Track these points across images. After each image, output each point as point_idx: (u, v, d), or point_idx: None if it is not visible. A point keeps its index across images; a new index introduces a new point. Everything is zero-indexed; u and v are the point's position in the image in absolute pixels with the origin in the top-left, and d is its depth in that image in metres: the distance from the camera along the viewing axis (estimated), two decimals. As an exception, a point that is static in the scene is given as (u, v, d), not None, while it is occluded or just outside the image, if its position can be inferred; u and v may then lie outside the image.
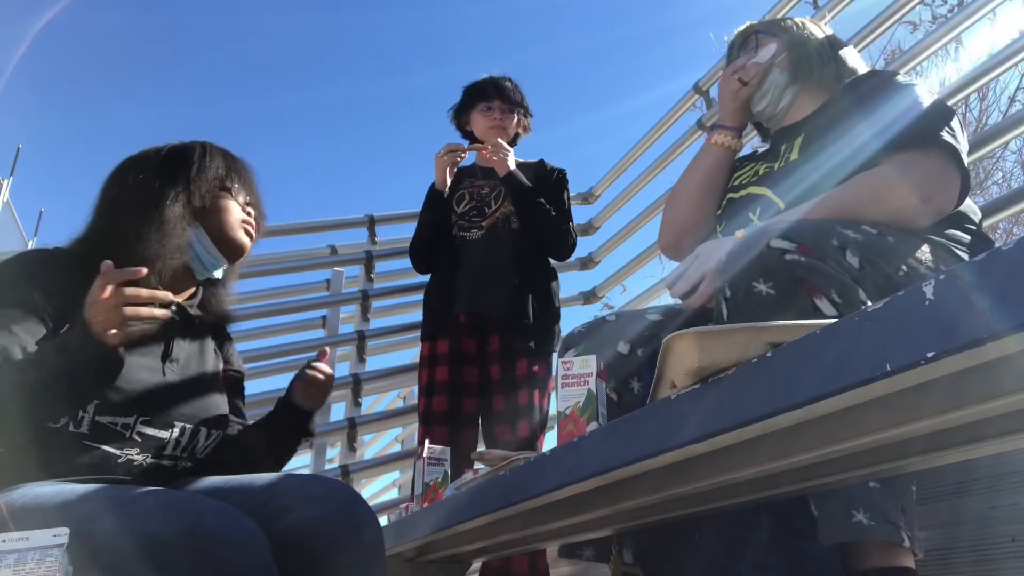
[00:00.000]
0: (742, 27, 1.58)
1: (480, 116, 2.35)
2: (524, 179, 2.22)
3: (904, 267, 1.02)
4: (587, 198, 3.44)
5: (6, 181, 7.51)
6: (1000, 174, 7.33)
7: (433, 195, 2.33)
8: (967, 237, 1.17)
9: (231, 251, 1.26)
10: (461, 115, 2.42)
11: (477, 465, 1.52)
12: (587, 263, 3.35)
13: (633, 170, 3.19)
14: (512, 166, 2.22)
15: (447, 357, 2.17)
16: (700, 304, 1.15)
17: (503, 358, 2.13)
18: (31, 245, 7.45)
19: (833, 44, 1.49)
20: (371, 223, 3.15)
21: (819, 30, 1.52)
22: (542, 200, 2.21)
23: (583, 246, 3.43)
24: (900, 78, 1.27)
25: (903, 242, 1.05)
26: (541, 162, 2.39)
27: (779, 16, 2.42)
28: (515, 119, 2.36)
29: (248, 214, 1.29)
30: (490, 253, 2.21)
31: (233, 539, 0.83)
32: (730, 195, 1.47)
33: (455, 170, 2.32)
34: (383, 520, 2.36)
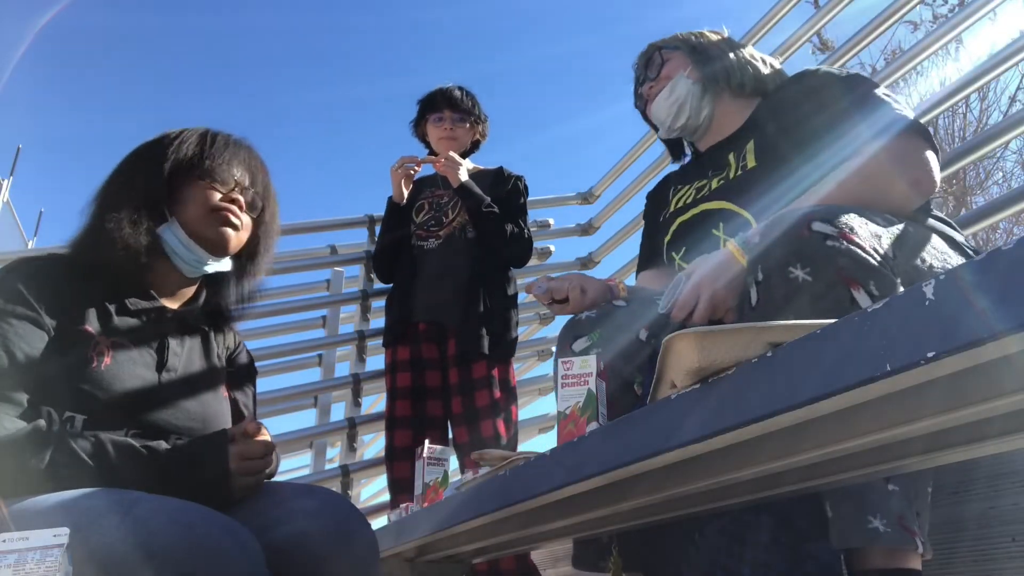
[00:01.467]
0: (644, 48, 1.58)
1: (432, 127, 2.40)
2: (477, 190, 2.26)
3: (928, 259, 0.99)
4: (587, 198, 3.44)
5: (6, 181, 7.51)
6: (1000, 174, 7.34)
7: (391, 207, 2.40)
8: (960, 236, 1.17)
9: (209, 244, 1.16)
10: (418, 127, 2.48)
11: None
12: (587, 263, 3.35)
13: (633, 170, 3.19)
14: (464, 177, 2.26)
15: (408, 363, 2.23)
16: (702, 322, 1.11)
17: (460, 362, 2.16)
18: (31, 245, 7.46)
19: (734, 48, 1.50)
20: (371, 223, 3.15)
21: (721, 39, 1.52)
22: (495, 209, 2.24)
23: (583, 246, 3.43)
24: (879, 91, 1.24)
25: (922, 234, 1.04)
26: (500, 169, 2.42)
27: (779, 15, 2.43)
28: (467, 127, 2.40)
29: (233, 200, 1.17)
30: (446, 262, 2.25)
31: (226, 548, 0.82)
32: (679, 219, 1.43)
33: (411, 182, 2.38)
34: (383, 520, 2.36)
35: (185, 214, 1.15)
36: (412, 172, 2.37)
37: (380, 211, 3.24)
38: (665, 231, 1.50)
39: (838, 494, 0.96)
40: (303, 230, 3.11)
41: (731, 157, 1.38)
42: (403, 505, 1.65)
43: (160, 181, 1.14)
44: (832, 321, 0.59)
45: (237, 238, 1.20)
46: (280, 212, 1.34)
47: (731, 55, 1.48)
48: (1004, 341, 0.46)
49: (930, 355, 0.49)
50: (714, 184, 1.39)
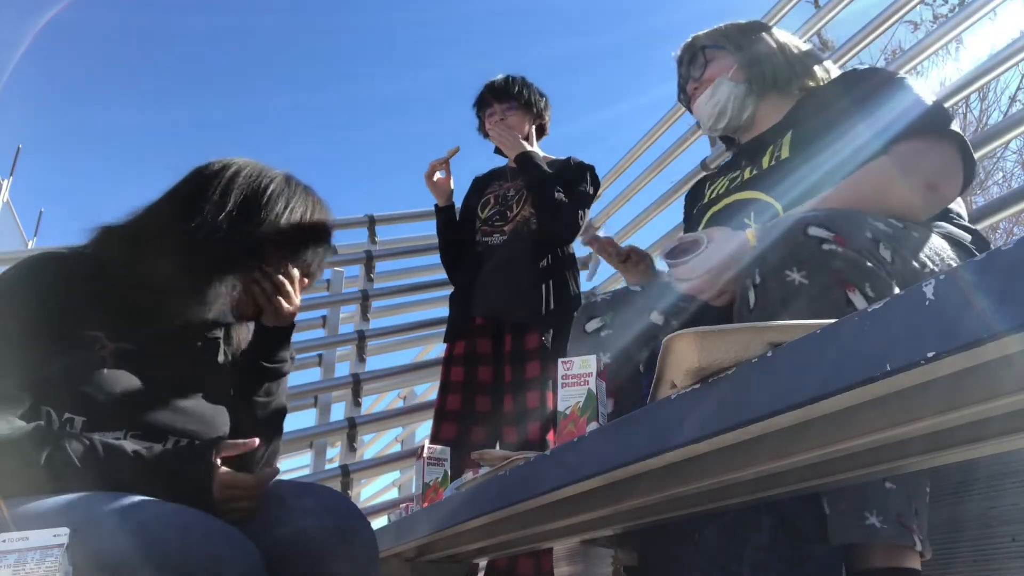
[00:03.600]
0: (688, 40, 1.54)
1: (487, 124, 2.35)
2: (539, 160, 2.21)
3: (928, 262, 0.99)
4: (587, 198, 3.44)
5: (6, 181, 7.51)
6: (1000, 174, 7.34)
7: (437, 212, 2.39)
8: (968, 236, 1.17)
9: (249, 309, 1.14)
10: (481, 130, 2.41)
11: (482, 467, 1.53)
12: (587, 263, 3.35)
13: (633, 170, 3.19)
14: (527, 147, 2.22)
15: (462, 358, 2.21)
16: (703, 297, 1.12)
17: (514, 360, 2.14)
18: (31, 245, 7.45)
19: (783, 48, 1.47)
20: (371, 223, 3.15)
21: (769, 36, 1.48)
22: (549, 174, 2.18)
23: (583, 246, 3.43)
24: (901, 74, 1.26)
25: (925, 237, 1.04)
26: (568, 159, 2.35)
27: (779, 15, 2.43)
28: (519, 113, 2.33)
29: (290, 280, 1.13)
30: (510, 256, 2.22)
31: (224, 553, 0.82)
32: (711, 209, 1.42)
33: (442, 185, 2.34)
34: (383, 520, 2.37)
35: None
36: (438, 170, 2.34)
37: (380, 211, 3.26)
38: (697, 223, 1.48)
39: (836, 492, 0.97)
40: (303, 230, 3.11)
41: (768, 149, 1.38)
42: (403, 505, 1.65)
43: (262, 257, 1.10)
44: (831, 321, 0.59)
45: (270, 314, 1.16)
46: None
47: (779, 54, 1.45)
48: (1004, 341, 0.46)
49: (930, 355, 0.49)
50: (746, 175, 1.38)
